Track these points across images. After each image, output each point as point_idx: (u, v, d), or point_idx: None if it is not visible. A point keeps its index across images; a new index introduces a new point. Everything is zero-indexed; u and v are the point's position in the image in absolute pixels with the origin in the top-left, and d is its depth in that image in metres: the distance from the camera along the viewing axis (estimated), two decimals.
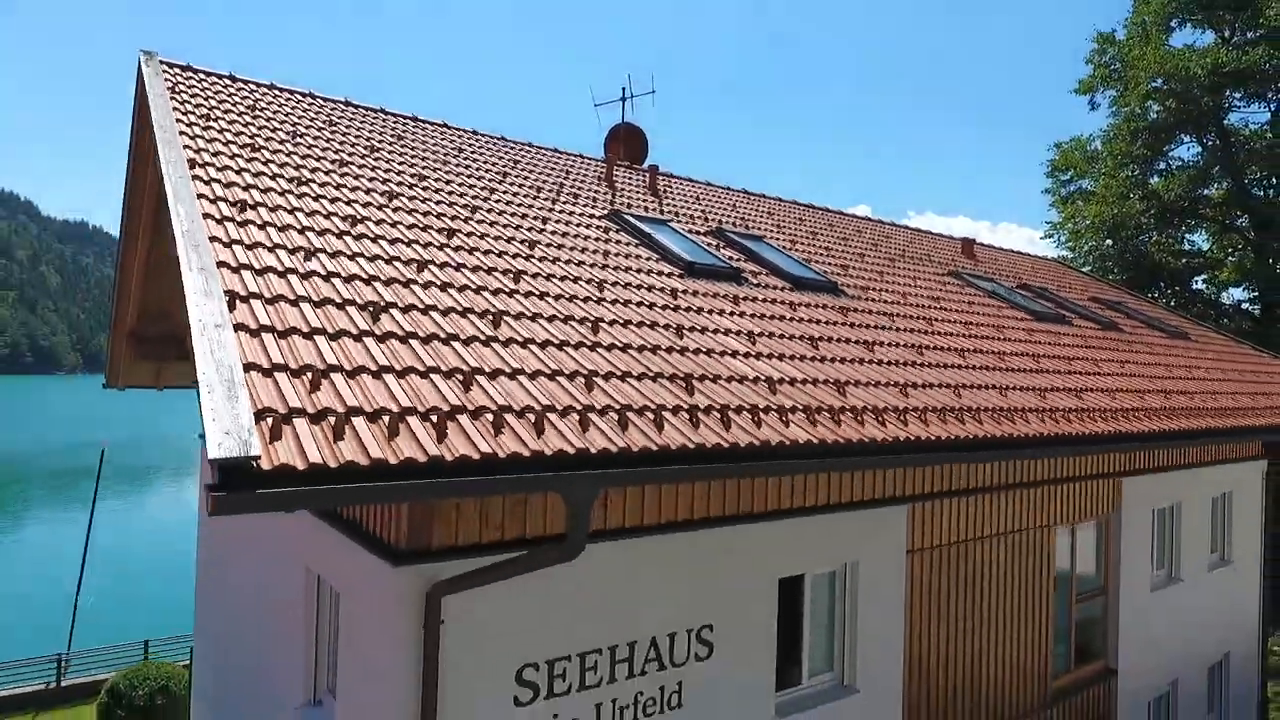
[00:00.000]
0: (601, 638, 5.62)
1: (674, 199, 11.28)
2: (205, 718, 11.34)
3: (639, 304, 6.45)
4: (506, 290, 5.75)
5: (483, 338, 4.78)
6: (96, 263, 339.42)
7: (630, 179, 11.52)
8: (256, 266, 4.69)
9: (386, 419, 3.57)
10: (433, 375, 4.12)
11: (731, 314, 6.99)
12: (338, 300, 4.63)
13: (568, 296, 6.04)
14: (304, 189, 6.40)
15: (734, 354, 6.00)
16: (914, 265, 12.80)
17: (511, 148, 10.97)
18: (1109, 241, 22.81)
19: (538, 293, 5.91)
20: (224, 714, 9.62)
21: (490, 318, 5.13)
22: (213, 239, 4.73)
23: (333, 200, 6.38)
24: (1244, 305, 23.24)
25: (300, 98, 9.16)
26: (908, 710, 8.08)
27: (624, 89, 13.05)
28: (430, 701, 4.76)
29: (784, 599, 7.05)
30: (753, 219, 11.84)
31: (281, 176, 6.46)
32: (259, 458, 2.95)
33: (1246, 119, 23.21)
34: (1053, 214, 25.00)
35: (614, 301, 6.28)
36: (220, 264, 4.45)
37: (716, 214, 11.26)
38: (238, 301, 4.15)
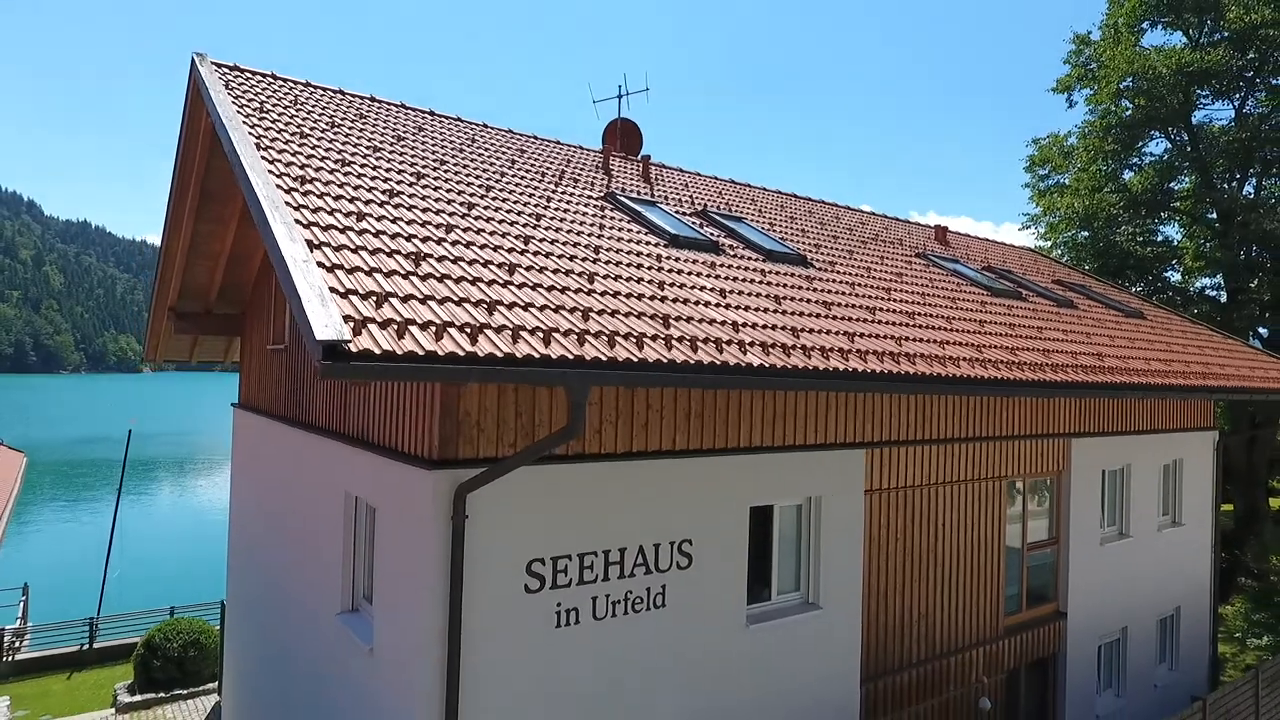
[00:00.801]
0: (597, 543, 6.82)
1: (664, 185, 12.47)
2: (238, 656, 12.55)
3: (628, 265, 7.65)
4: (518, 250, 6.95)
5: (500, 281, 5.99)
6: (99, 262, 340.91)
7: (625, 168, 12.71)
8: (321, 224, 5.90)
9: (433, 329, 4.77)
10: (464, 304, 5.32)
11: (708, 276, 8.19)
12: (386, 250, 5.83)
13: (568, 257, 7.24)
14: (347, 169, 7.61)
15: (706, 304, 7.20)
16: (885, 247, 13.99)
17: (518, 139, 12.18)
18: (1083, 233, 24.01)
19: (544, 253, 7.12)
20: (264, 632, 10.81)
21: (505, 268, 6.33)
22: (286, 203, 5.93)
23: (371, 178, 7.58)
24: (1208, 292, 24.48)
25: (332, 94, 10.36)
26: (866, 627, 9.28)
27: (620, 87, 14.20)
28: (457, 586, 5.93)
29: (756, 525, 8.25)
30: (736, 204, 13.04)
31: (328, 158, 7.68)
32: (349, 342, 4.16)
33: (1210, 116, 24.44)
34: (1032, 208, 26.24)
35: (607, 263, 7.49)
36: (295, 221, 5.66)
37: (703, 198, 12.45)
38: (312, 247, 5.35)
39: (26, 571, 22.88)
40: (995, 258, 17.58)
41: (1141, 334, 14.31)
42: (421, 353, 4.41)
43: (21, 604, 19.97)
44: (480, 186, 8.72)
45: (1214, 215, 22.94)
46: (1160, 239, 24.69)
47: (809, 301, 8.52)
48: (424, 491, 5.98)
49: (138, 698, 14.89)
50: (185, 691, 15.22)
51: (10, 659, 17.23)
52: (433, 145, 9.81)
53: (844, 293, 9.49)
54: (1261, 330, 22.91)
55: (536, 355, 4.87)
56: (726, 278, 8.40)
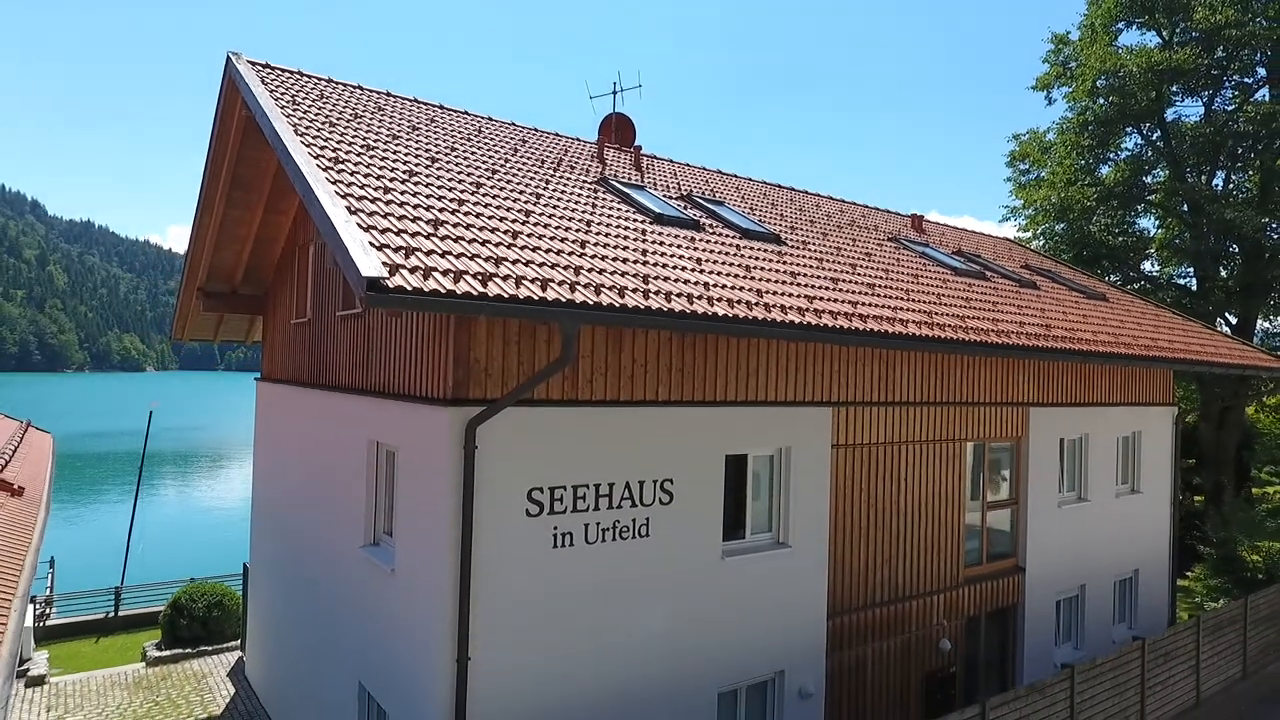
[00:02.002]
0: (588, 477, 7.90)
1: (654, 173, 13.56)
2: (262, 610, 13.65)
3: (616, 236, 8.75)
4: (520, 220, 8.05)
5: (505, 244, 7.08)
6: (102, 262, 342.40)
7: (618, 157, 13.79)
8: (355, 195, 6.99)
9: (451, 275, 5.86)
10: (475, 259, 6.41)
11: (686, 249, 9.28)
12: (410, 217, 6.93)
13: (564, 228, 8.34)
14: (371, 153, 8.71)
15: (682, 269, 8.29)
16: (859, 231, 15.07)
17: (520, 130, 13.28)
18: (1060, 225, 25.07)
19: (542, 224, 8.21)
20: (290, 579, 11.92)
21: (510, 234, 7.43)
22: (325, 179, 7.02)
23: (392, 161, 8.68)
24: (1179, 281, 25.53)
25: (352, 89, 11.46)
26: (832, 568, 10.36)
27: (615, 84, 15.29)
28: (468, 510, 7.00)
29: (732, 471, 9.32)
30: (720, 190, 14.13)
31: (354, 144, 8.78)
32: (387, 279, 5.26)
33: (1180, 113, 25.49)
34: (1013, 201, 27.28)
35: (597, 233, 8.58)
36: (335, 192, 6.75)
37: (689, 185, 13.54)
38: (351, 212, 6.44)
39: (51, 548, 23.94)
40: (969, 245, 18.64)
41: (1099, 313, 15.38)
42: (443, 291, 5.51)
43: (50, 575, 21.04)
44: (486, 170, 9.82)
45: (1186, 208, 23.97)
46: (1136, 230, 25.75)
47: (777, 271, 9.61)
48: (440, 427, 7.07)
49: (166, 653, 15.98)
50: (210, 648, 16.31)
51: (41, 625, 18.31)
52: (443, 134, 10.91)
53: (811, 267, 10.57)
54: (1230, 317, 23.96)
55: (535, 298, 5.97)
56: (703, 250, 9.48)
